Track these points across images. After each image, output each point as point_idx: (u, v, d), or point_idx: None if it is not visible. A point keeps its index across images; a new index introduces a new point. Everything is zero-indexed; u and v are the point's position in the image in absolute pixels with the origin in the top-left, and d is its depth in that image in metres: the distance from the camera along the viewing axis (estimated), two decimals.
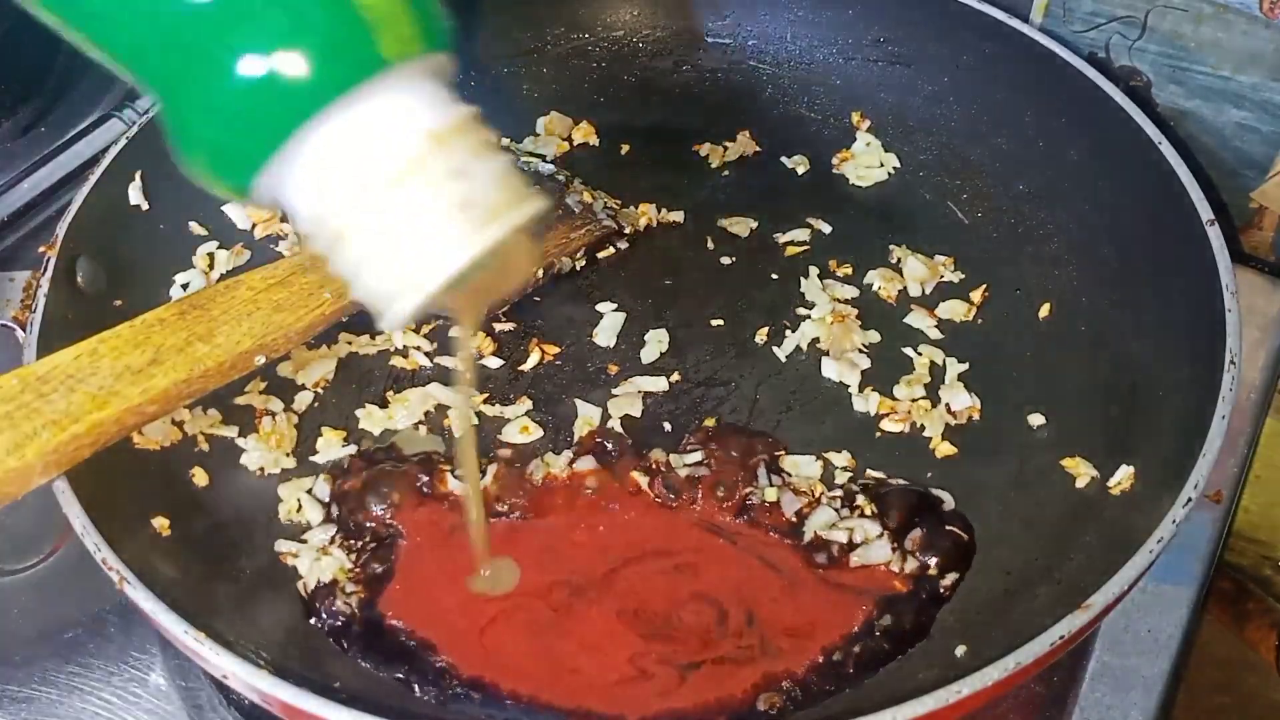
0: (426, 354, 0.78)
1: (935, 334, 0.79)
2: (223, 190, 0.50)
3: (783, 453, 0.73)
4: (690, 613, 0.66)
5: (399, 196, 0.47)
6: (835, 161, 0.89)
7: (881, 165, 0.88)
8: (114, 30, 0.48)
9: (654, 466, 0.71)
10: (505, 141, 0.89)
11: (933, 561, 0.67)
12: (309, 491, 0.71)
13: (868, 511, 0.69)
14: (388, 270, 0.48)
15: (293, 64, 0.45)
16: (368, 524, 0.69)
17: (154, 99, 0.50)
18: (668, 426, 0.74)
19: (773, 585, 0.67)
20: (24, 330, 0.69)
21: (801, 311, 0.80)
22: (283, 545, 0.69)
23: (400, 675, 0.63)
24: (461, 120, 0.49)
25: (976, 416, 0.75)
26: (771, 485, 0.70)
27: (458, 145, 0.48)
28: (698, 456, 0.72)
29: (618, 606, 0.66)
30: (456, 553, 0.68)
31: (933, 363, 0.77)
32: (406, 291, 0.48)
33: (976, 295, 0.80)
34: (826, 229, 0.85)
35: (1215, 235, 0.71)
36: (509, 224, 0.48)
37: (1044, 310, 0.79)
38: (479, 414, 0.75)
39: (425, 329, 0.79)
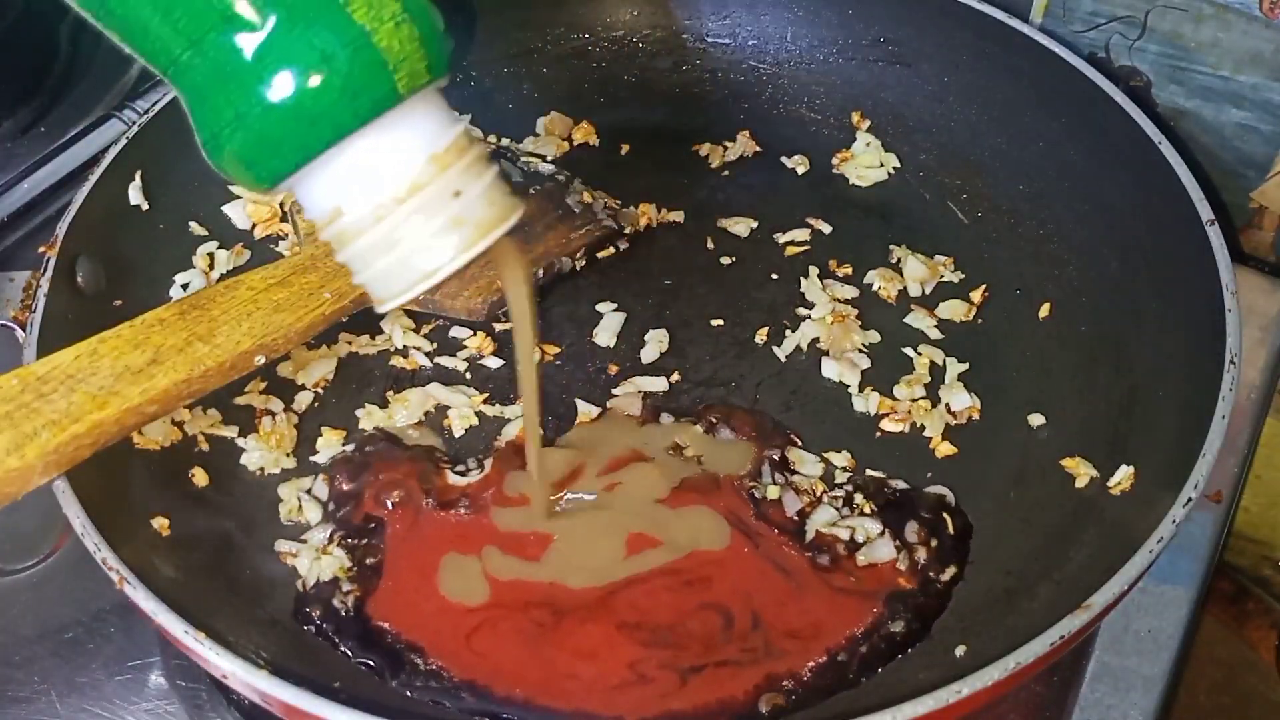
0: (426, 354, 0.78)
1: (935, 334, 0.79)
2: (242, 187, 0.54)
3: (795, 442, 0.73)
4: (697, 621, 0.65)
5: (402, 211, 0.54)
6: (835, 161, 0.89)
7: (881, 165, 0.88)
8: (150, 39, 0.52)
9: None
10: (505, 141, 0.89)
11: (934, 559, 0.67)
12: (309, 491, 0.71)
13: (867, 510, 0.69)
14: (388, 270, 0.55)
15: (320, 98, 0.51)
16: (364, 522, 0.69)
17: (179, 97, 0.54)
18: None
19: (780, 588, 0.66)
20: (24, 330, 0.69)
21: (801, 311, 0.80)
22: (283, 545, 0.69)
23: (396, 675, 0.63)
24: (457, 140, 0.55)
25: (976, 416, 0.75)
26: (775, 483, 0.70)
27: (454, 165, 0.54)
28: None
29: (618, 620, 0.65)
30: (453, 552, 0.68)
31: (933, 363, 0.77)
32: (402, 291, 0.56)
33: (976, 295, 0.80)
34: (826, 229, 0.85)
35: (1215, 235, 0.71)
36: (492, 239, 0.55)
37: (1044, 310, 0.79)
38: (479, 414, 0.75)
39: (425, 329, 0.79)
